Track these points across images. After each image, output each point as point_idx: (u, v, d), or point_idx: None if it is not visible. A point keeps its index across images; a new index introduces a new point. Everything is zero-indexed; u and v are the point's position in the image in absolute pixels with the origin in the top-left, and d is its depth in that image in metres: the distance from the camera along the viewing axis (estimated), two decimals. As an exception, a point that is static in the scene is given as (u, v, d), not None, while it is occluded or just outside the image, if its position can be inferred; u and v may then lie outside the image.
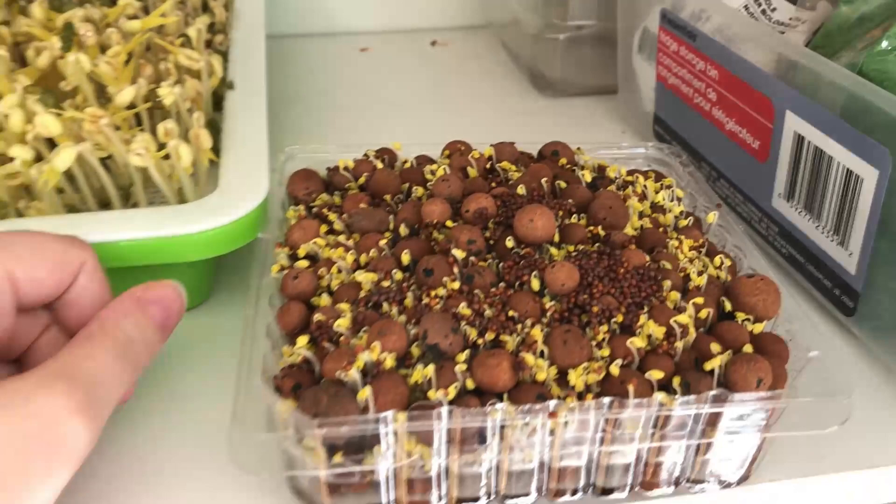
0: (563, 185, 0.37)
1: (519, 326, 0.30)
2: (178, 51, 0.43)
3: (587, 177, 0.38)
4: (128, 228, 0.34)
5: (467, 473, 0.30)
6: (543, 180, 0.36)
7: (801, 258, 0.42)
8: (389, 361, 0.28)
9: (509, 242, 0.33)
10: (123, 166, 0.38)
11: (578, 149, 0.42)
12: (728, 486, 0.32)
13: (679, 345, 0.29)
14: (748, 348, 0.30)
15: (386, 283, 0.32)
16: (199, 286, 0.40)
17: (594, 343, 0.29)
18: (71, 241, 0.30)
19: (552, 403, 0.27)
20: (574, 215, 0.35)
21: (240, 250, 0.36)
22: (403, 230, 0.34)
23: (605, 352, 0.29)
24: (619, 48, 0.58)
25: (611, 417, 0.28)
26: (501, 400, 0.28)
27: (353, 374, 0.28)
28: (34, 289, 0.29)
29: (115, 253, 0.34)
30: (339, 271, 0.33)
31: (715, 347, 0.29)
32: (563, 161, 0.40)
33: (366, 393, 0.27)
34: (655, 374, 0.28)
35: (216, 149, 0.40)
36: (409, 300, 0.31)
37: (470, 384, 0.28)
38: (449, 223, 0.34)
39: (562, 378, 0.29)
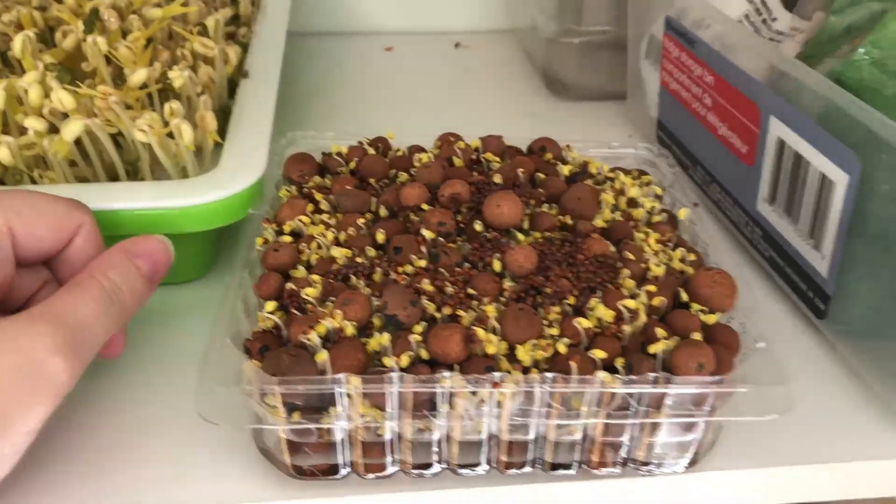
0: (542, 177, 0.38)
1: (476, 304, 0.31)
2: (194, 38, 0.46)
3: (565, 170, 0.39)
4: (127, 199, 0.37)
5: (420, 440, 0.31)
6: (520, 170, 0.37)
7: (781, 261, 0.42)
8: (350, 329, 0.30)
9: (478, 226, 0.34)
10: (132, 143, 0.40)
11: (568, 146, 0.43)
12: (675, 470, 0.33)
13: (627, 328, 0.30)
14: (697, 336, 0.31)
15: (360, 260, 0.34)
16: (198, 261, 0.42)
17: (546, 322, 0.31)
18: (71, 203, 0.33)
19: (498, 375, 0.29)
20: (545, 205, 0.36)
21: (241, 231, 0.38)
22: (383, 211, 0.36)
23: (555, 331, 0.30)
24: (629, 54, 0.60)
25: (555, 392, 0.29)
26: (452, 370, 0.29)
27: (314, 338, 0.30)
28: (33, 243, 0.31)
29: (115, 221, 0.37)
30: (319, 247, 0.35)
31: (660, 332, 0.30)
32: (549, 156, 0.41)
33: (323, 356, 0.29)
34: (598, 353, 0.29)
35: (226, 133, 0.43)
36: (377, 275, 0.33)
37: (424, 354, 0.30)
38: (425, 207, 0.35)
39: (512, 354, 0.30)
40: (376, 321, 0.31)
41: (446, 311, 0.31)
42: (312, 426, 0.30)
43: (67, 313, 0.28)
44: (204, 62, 0.46)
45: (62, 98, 0.37)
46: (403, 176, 0.38)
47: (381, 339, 0.30)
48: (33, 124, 0.37)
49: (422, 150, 0.42)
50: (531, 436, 0.31)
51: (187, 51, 0.46)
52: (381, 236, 0.34)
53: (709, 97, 0.48)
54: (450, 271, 0.33)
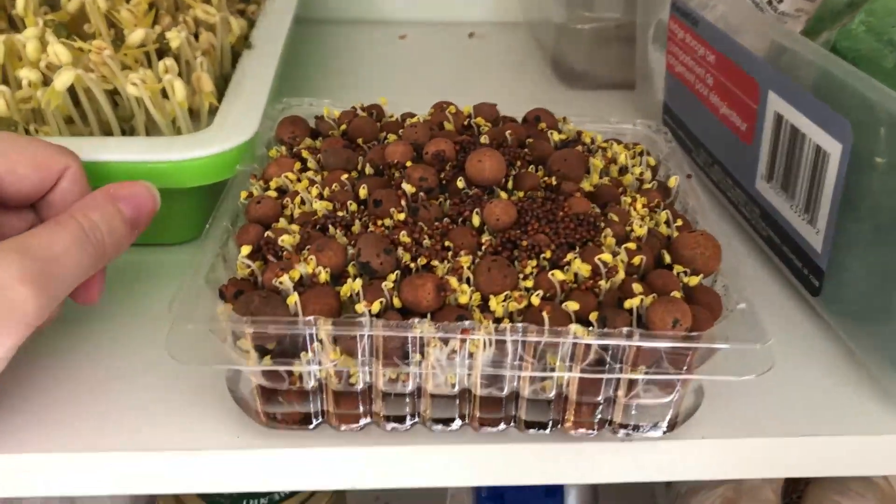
0: (531, 141, 0.38)
1: (451, 255, 0.31)
2: (196, 4, 0.46)
3: (556, 136, 0.39)
4: (118, 151, 0.37)
5: (392, 391, 0.31)
6: (508, 133, 0.37)
7: (778, 239, 0.42)
8: (324, 276, 0.30)
9: (460, 183, 0.34)
10: (127, 101, 0.41)
11: (564, 118, 0.43)
12: (653, 435, 0.32)
13: (604, 284, 0.30)
14: (676, 294, 0.30)
15: (340, 213, 0.34)
16: (190, 221, 0.43)
17: (521, 276, 0.30)
18: (57, 147, 0.33)
19: (467, 322, 0.28)
20: (531, 166, 0.36)
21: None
22: (368, 169, 0.36)
23: (529, 283, 0.30)
24: (638, 41, 0.59)
25: (528, 342, 0.29)
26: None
27: (286, 281, 0.29)
28: (15, 183, 0.32)
29: (106, 174, 0.37)
30: (303, 202, 0.35)
31: (637, 288, 0.29)
32: (543, 126, 0.41)
33: (294, 298, 0.29)
34: (571, 306, 0.29)
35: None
36: (356, 227, 0.33)
37: (397, 303, 0.30)
38: (409, 164, 0.35)
39: (485, 305, 0.30)
40: (351, 270, 0.31)
41: (421, 261, 0.30)
42: (282, 369, 0.30)
43: (39, 246, 0.29)
44: (206, 29, 0.47)
45: (58, 51, 0.38)
46: (392, 138, 0.38)
47: (354, 286, 0.29)
48: (27, 74, 0.37)
49: (414, 115, 0.42)
50: (505, 391, 0.31)
51: (190, 18, 0.47)
52: (363, 192, 0.34)
53: (711, 77, 0.47)
54: (429, 225, 0.32)
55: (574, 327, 0.28)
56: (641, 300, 0.29)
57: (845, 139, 0.35)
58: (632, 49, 0.62)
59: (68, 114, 0.40)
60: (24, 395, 0.33)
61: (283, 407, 0.32)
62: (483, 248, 0.31)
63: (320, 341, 0.29)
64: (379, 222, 0.33)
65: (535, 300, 0.29)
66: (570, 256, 0.31)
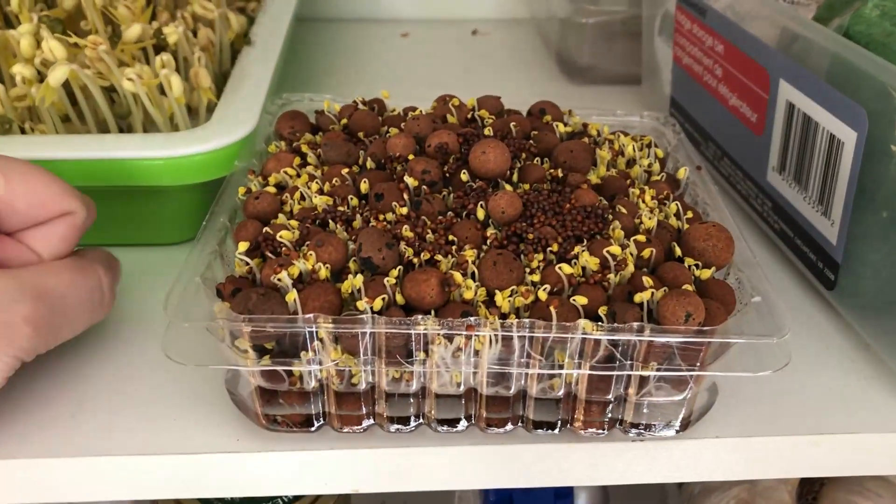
0: (535, 133, 0.37)
1: (455, 249, 0.30)
2: (194, 0, 0.45)
3: (561, 128, 0.38)
4: (114, 148, 0.36)
5: (396, 392, 0.30)
6: (512, 124, 0.36)
7: (791, 232, 0.41)
8: (324, 272, 0.29)
9: (464, 176, 0.33)
10: (124, 98, 0.40)
11: (569, 111, 0.42)
12: (665, 434, 0.31)
13: (613, 277, 0.29)
14: (687, 288, 0.29)
15: (341, 208, 0.33)
16: (188, 221, 0.42)
17: (527, 270, 0.29)
18: (67, 192, 0.30)
19: (472, 319, 0.27)
20: (536, 158, 0.35)
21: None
22: (370, 163, 0.35)
23: (536, 277, 0.29)
24: (644, 34, 0.58)
25: (535, 338, 0.28)
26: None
27: (285, 278, 0.28)
28: (9, 215, 0.30)
29: (103, 171, 0.37)
30: (302, 197, 0.34)
31: (647, 281, 0.28)
32: (548, 118, 0.40)
33: (293, 296, 0.28)
34: (580, 300, 0.28)
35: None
36: (357, 222, 0.32)
37: (400, 299, 0.29)
38: (412, 157, 0.34)
39: (490, 300, 0.29)
40: (352, 266, 0.30)
41: (424, 256, 0.29)
42: (281, 369, 0.29)
43: (56, 293, 0.29)
44: (204, 25, 0.46)
45: (52, 47, 0.37)
46: (394, 131, 0.37)
47: (355, 282, 0.28)
48: (21, 70, 0.36)
49: (417, 109, 0.41)
50: (512, 390, 0.30)
51: (188, 14, 0.46)
52: (364, 186, 0.33)
53: (719, 67, 0.46)
54: (432, 219, 0.31)
55: (583, 322, 0.27)
56: (652, 294, 0.28)
57: (860, 127, 0.34)
58: (637, 43, 0.61)
59: (64, 112, 0.40)
60: (17, 400, 0.32)
61: (284, 409, 0.31)
62: (488, 241, 0.30)
63: (321, 340, 0.28)
64: (381, 217, 0.32)
65: (543, 295, 0.28)
66: (577, 249, 0.30)
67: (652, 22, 0.57)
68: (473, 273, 0.29)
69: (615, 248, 0.29)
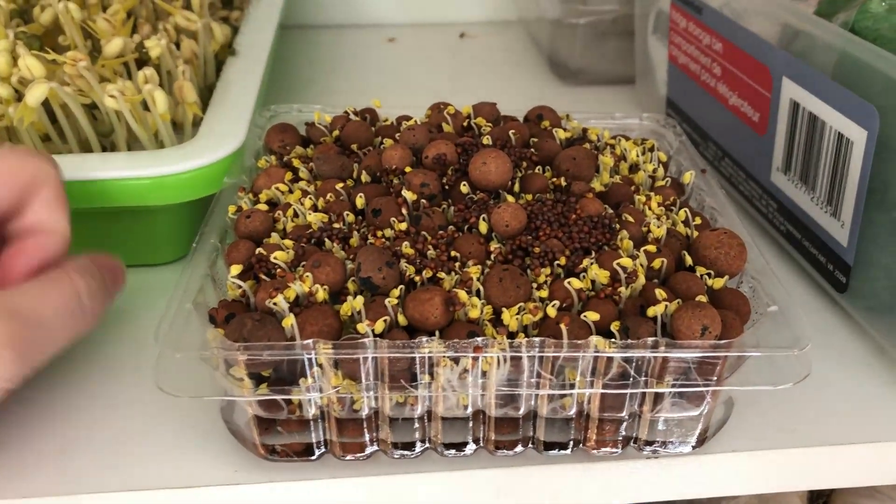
0: (535, 140, 0.36)
1: (458, 266, 0.29)
2: (176, 11, 0.44)
3: (562, 135, 0.36)
4: (99, 168, 0.35)
5: (400, 417, 0.29)
6: (511, 132, 0.35)
7: (798, 234, 0.39)
8: (321, 294, 0.28)
9: (464, 188, 0.32)
10: (106, 115, 0.38)
11: (567, 115, 0.41)
12: (682, 451, 0.30)
13: (624, 290, 0.28)
14: (701, 299, 0.28)
15: (337, 225, 0.31)
16: (176, 239, 0.40)
17: (534, 285, 0.28)
18: (27, 155, 0.29)
19: (479, 340, 0.26)
20: (538, 167, 0.34)
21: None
22: (365, 177, 0.34)
23: (544, 293, 0.28)
24: (636, 33, 0.57)
25: (545, 357, 0.27)
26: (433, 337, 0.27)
27: (281, 302, 0.27)
28: None
29: (88, 192, 0.35)
30: (296, 215, 0.33)
31: (660, 294, 0.27)
32: (546, 123, 0.39)
33: (291, 321, 0.27)
34: (592, 316, 0.27)
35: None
36: (354, 240, 0.30)
37: (402, 320, 0.27)
38: (408, 170, 0.33)
39: (497, 318, 0.28)
40: (351, 286, 0.29)
41: (426, 274, 0.28)
42: (280, 398, 0.28)
43: (30, 308, 0.26)
44: (188, 37, 0.44)
45: (30, 64, 0.36)
46: (388, 142, 0.36)
47: (355, 304, 0.27)
48: (-3, 90, 0.35)
49: (411, 118, 0.40)
50: (522, 411, 0.29)
51: (170, 25, 0.44)
52: (360, 201, 0.32)
53: (718, 66, 0.45)
54: (432, 234, 0.30)
55: (595, 339, 0.26)
56: (665, 307, 0.27)
57: (871, 125, 0.32)
58: (630, 42, 0.60)
59: (44, 131, 0.38)
60: (2, 437, 0.31)
61: (283, 437, 0.29)
62: (492, 256, 0.29)
63: (320, 366, 0.27)
64: (379, 233, 0.30)
65: (552, 311, 0.27)
66: (586, 262, 0.28)
67: (645, 20, 0.55)
68: (478, 290, 0.28)
69: (626, 261, 0.28)
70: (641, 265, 0.29)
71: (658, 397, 0.28)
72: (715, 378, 0.28)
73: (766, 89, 0.40)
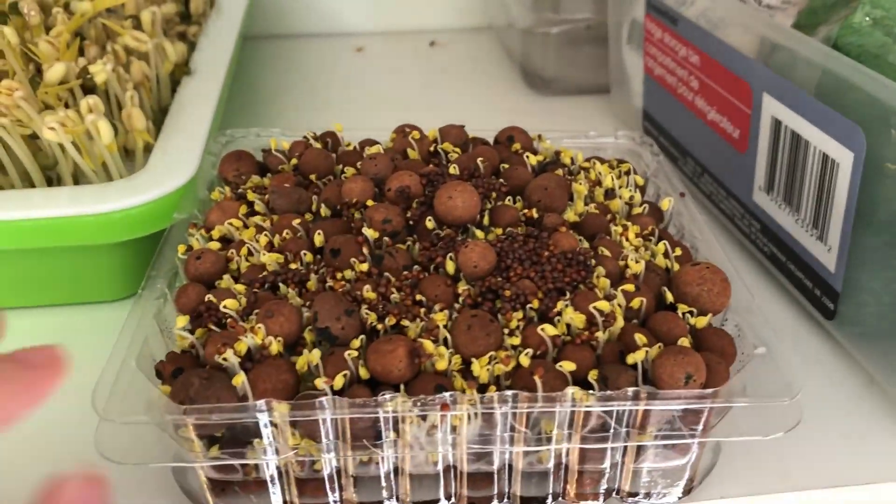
0: (506, 167, 0.34)
1: (424, 312, 0.27)
2: (125, 32, 0.41)
3: (533, 160, 0.34)
4: (39, 206, 0.33)
5: (365, 475, 0.27)
6: (480, 160, 0.33)
7: (783, 256, 0.38)
8: (275, 346, 0.26)
9: (430, 223, 0.30)
10: (48, 146, 0.36)
11: (539, 136, 0.39)
12: (667, 501, 0.28)
13: (601, 335, 0.26)
14: (684, 342, 0.26)
15: (293, 266, 0.29)
16: (124, 276, 0.38)
17: (506, 331, 0.26)
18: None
19: (447, 395, 0.24)
20: (508, 197, 0.32)
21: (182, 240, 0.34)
22: (324, 210, 0.32)
23: (516, 340, 0.26)
24: (610, 42, 0.55)
25: (519, 413, 0.25)
26: (398, 391, 0.25)
27: (231, 357, 0.25)
28: None
29: (29, 231, 0.33)
30: (251, 253, 0.30)
31: (640, 339, 0.25)
32: (517, 146, 0.37)
33: (241, 379, 0.24)
34: (567, 366, 0.25)
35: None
36: (312, 283, 0.28)
37: (364, 374, 0.25)
38: (370, 203, 0.31)
39: (467, 369, 0.26)
40: (308, 336, 0.26)
41: (389, 321, 0.26)
42: (234, 462, 0.25)
43: None
44: (138, 58, 0.42)
45: (-39, 95, 0.33)
46: (350, 171, 0.34)
47: (311, 357, 0.25)
48: (-75, 124, 0.32)
49: (375, 143, 0.38)
50: (496, 465, 0.27)
51: (119, 47, 0.42)
52: (319, 239, 0.30)
53: (695, 80, 0.43)
54: (396, 275, 0.28)
55: (572, 391, 0.24)
56: (646, 353, 0.25)
57: (857, 147, 0.31)
58: (603, 50, 0.58)
59: (-18, 164, 0.36)
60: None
61: (240, 499, 0.27)
62: (460, 299, 0.27)
63: (276, 426, 0.25)
64: (338, 275, 0.28)
65: (525, 360, 0.25)
66: (560, 305, 0.26)
67: (619, 29, 0.54)
68: (445, 339, 0.26)
69: (603, 304, 0.26)
70: (619, 305, 0.27)
71: (641, 447, 0.26)
72: (701, 427, 0.26)
73: (747, 105, 0.38)
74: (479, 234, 0.30)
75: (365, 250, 0.29)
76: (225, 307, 0.27)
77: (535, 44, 0.60)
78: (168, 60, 0.44)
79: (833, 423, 0.32)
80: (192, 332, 0.27)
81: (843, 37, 0.32)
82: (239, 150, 0.36)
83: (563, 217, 0.31)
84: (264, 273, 0.29)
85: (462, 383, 0.25)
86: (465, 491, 0.27)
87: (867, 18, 0.31)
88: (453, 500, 0.27)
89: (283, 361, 0.25)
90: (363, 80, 0.65)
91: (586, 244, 0.30)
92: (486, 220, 0.31)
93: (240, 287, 0.28)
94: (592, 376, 0.25)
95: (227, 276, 0.29)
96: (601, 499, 0.28)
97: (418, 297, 0.27)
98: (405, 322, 0.26)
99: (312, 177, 0.34)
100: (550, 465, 0.27)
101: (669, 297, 0.28)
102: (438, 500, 0.27)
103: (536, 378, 0.24)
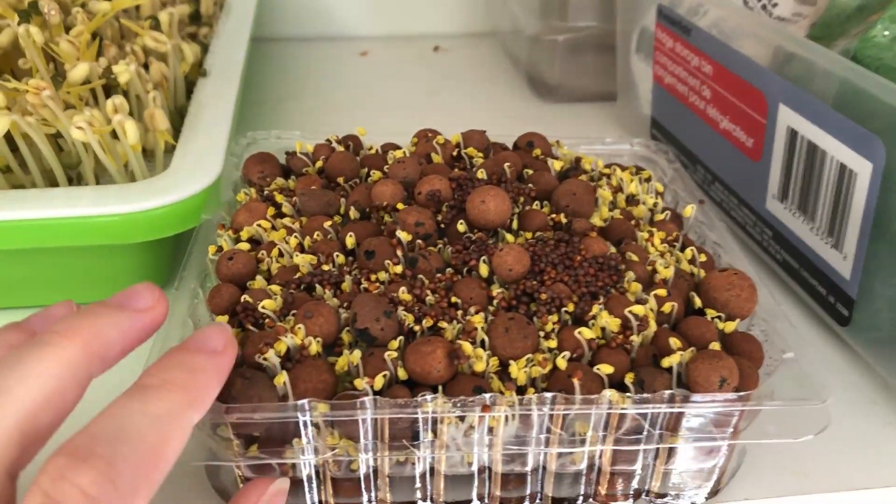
0: (529, 172, 0.34)
1: (460, 314, 0.27)
2: (144, 32, 0.41)
3: (556, 166, 0.35)
4: (64, 205, 0.33)
5: (400, 475, 0.27)
6: (507, 165, 0.33)
7: (796, 264, 0.38)
8: (315, 347, 0.26)
9: (461, 226, 0.30)
10: (73, 144, 0.36)
11: (557, 142, 0.39)
12: (695, 501, 0.28)
13: (635, 339, 0.26)
14: (715, 346, 0.27)
15: (326, 267, 0.29)
16: (152, 275, 0.38)
17: (541, 334, 0.27)
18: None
19: (488, 397, 0.24)
20: (536, 202, 0.32)
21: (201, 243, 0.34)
22: (353, 213, 0.32)
23: (553, 343, 0.26)
24: (618, 50, 0.56)
25: (555, 415, 0.25)
26: (435, 393, 0.25)
27: (272, 357, 0.25)
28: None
29: (52, 231, 0.33)
30: (281, 254, 0.31)
31: (675, 343, 0.26)
32: (538, 152, 0.37)
33: (283, 378, 0.25)
34: (605, 369, 0.25)
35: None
36: (346, 284, 0.29)
37: (402, 374, 0.26)
38: (400, 206, 0.31)
39: (504, 371, 0.26)
40: (346, 337, 0.27)
41: (426, 322, 0.26)
42: (273, 461, 0.26)
43: None
44: (157, 59, 0.42)
45: (-11, 93, 0.33)
46: (377, 175, 0.34)
47: (351, 358, 0.25)
48: (-47, 122, 0.32)
49: (396, 147, 0.38)
50: (529, 466, 0.27)
51: (138, 47, 0.42)
52: (350, 241, 0.30)
53: (708, 89, 0.44)
54: (430, 278, 0.28)
55: (609, 394, 0.25)
56: (681, 356, 0.26)
57: (876, 158, 0.32)
58: (610, 58, 0.59)
59: (5, 163, 0.36)
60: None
61: (274, 499, 0.27)
62: (495, 302, 0.28)
63: (315, 426, 0.25)
64: (372, 277, 0.29)
65: (562, 363, 0.25)
66: (595, 309, 0.27)
67: (627, 38, 0.54)
68: (483, 340, 0.26)
69: (638, 308, 0.26)
70: (651, 310, 0.27)
71: (672, 449, 0.27)
72: (731, 430, 0.26)
73: (761, 115, 0.39)
74: (510, 238, 0.30)
75: (399, 252, 0.29)
76: (263, 308, 0.27)
77: (542, 50, 0.61)
78: (185, 61, 0.44)
79: (850, 427, 0.33)
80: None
81: (862, 50, 0.33)
82: (263, 153, 0.36)
83: (591, 223, 0.31)
84: (298, 274, 0.29)
85: (499, 385, 0.26)
86: (498, 492, 0.27)
87: (886, 33, 0.32)
88: (486, 500, 0.28)
89: (323, 362, 0.26)
90: (369, 84, 0.66)
91: (613, 249, 0.30)
92: (514, 224, 0.31)
93: (275, 288, 0.28)
94: (629, 379, 0.25)
95: (259, 277, 0.30)
96: (631, 499, 0.28)
97: (453, 299, 0.27)
98: (442, 324, 0.27)
99: (340, 180, 0.34)
100: (583, 466, 0.27)
101: (698, 301, 0.29)
102: (470, 501, 0.28)
103: (575, 381, 0.25)
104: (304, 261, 0.29)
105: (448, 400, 0.24)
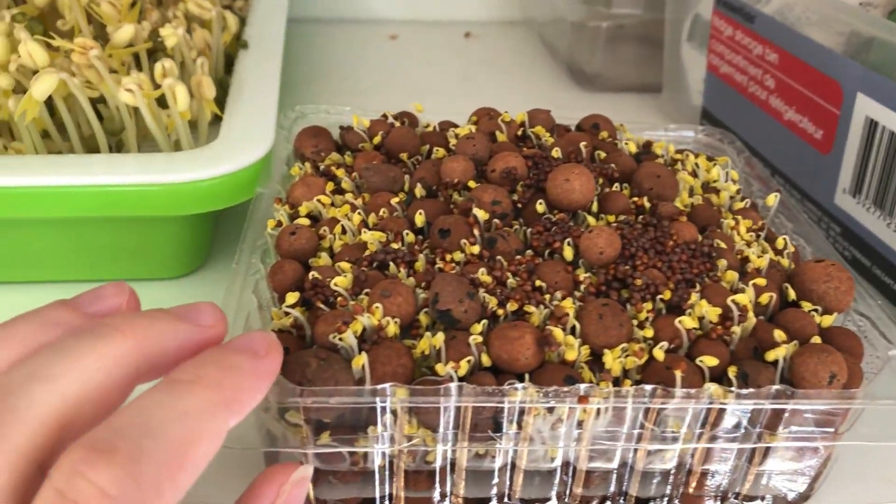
0: (602, 155, 0.33)
1: (547, 297, 0.25)
2: (188, -2, 0.39)
3: (632, 147, 0.33)
4: (109, 171, 0.31)
5: (477, 468, 0.25)
6: (582, 144, 0.32)
7: (867, 261, 0.37)
8: (392, 328, 0.24)
9: (540, 207, 0.28)
10: (115, 109, 0.34)
11: (621, 125, 0.37)
12: (784, 506, 0.27)
13: (736, 330, 0.25)
14: (816, 341, 0.25)
15: (395, 245, 0.28)
16: (192, 253, 0.36)
17: (635, 322, 0.25)
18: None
19: (583, 387, 0.23)
20: (616, 184, 0.30)
21: (242, 216, 0.32)
22: (420, 190, 0.30)
23: (649, 332, 0.24)
24: (667, 40, 0.54)
25: (652, 408, 0.23)
26: (522, 381, 0.23)
27: (349, 338, 0.23)
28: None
29: (95, 200, 0.31)
30: (344, 231, 0.29)
31: (779, 335, 0.24)
32: (605, 134, 0.35)
33: (362, 360, 0.23)
34: (709, 361, 0.23)
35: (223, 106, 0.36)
36: (419, 264, 0.27)
37: (486, 360, 0.24)
38: (472, 184, 0.29)
39: (595, 360, 0.24)
40: (423, 319, 0.25)
41: (511, 306, 0.25)
42: (345, 450, 0.24)
43: None
44: (200, 26, 0.40)
45: (32, 51, 0.31)
46: (440, 152, 0.32)
47: (433, 341, 0.24)
48: (-4, 79, 0.30)
49: (454, 125, 0.36)
50: (615, 463, 0.25)
51: (181, 13, 0.40)
52: (420, 218, 0.28)
53: (771, 78, 0.42)
54: (509, 259, 0.27)
55: (712, 388, 0.23)
56: (786, 350, 0.24)
57: (975, 149, 0.30)
58: (651, 49, 0.57)
59: (43, 127, 0.34)
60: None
61: (338, 490, 0.25)
62: (582, 287, 0.26)
63: (393, 413, 0.23)
64: (448, 257, 0.27)
65: (659, 354, 0.24)
66: (693, 298, 0.25)
67: (678, 27, 0.53)
68: (573, 327, 0.24)
69: (741, 297, 0.25)
70: (750, 299, 0.25)
71: (767, 449, 0.25)
72: (833, 430, 0.25)
73: (835, 105, 0.37)
74: (591, 220, 0.29)
75: (475, 232, 0.27)
76: (336, 285, 0.25)
77: (584, 38, 0.59)
78: (227, 31, 0.42)
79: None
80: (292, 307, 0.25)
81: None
82: (316, 126, 0.35)
83: (679, 208, 0.29)
84: (368, 252, 0.27)
85: (591, 375, 0.24)
86: (580, 489, 0.26)
87: None
88: (565, 498, 0.26)
89: (401, 345, 0.24)
90: (400, 68, 0.64)
91: (700, 235, 0.29)
92: (594, 207, 0.29)
93: (345, 265, 0.26)
94: (732, 372, 0.24)
95: (324, 254, 0.28)
96: (718, 501, 0.26)
97: (537, 282, 0.26)
98: (529, 308, 0.25)
99: (403, 156, 0.32)
100: (672, 464, 0.25)
101: (792, 293, 0.27)
102: (549, 499, 0.26)
103: (677, 373, 0.23)
104: (372, 238, 0.27)
105: (539, 389, 0.23)
